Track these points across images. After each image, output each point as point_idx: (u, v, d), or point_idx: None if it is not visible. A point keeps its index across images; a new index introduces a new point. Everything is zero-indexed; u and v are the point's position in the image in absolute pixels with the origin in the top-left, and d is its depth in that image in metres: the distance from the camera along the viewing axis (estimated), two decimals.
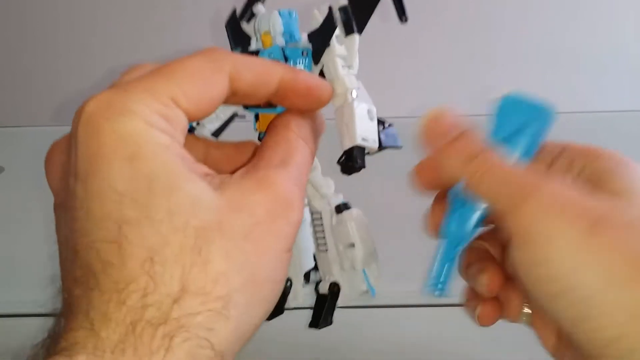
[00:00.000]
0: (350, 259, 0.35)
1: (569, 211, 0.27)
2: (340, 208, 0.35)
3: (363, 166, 0.31)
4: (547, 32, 0.81)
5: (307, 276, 0.36)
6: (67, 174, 0.25)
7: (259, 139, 0.33)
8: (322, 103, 0.30)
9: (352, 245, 0.34)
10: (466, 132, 0.30)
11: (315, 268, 0.37)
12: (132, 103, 0.24)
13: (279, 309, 0.34)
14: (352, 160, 0.31)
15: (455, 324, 0.59)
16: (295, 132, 0.29)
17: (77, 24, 0.83)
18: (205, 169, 0.26)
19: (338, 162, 0.32)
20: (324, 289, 0.35)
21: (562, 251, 0.26)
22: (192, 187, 0.24)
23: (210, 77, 0.26)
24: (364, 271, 0.35)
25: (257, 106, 0.31)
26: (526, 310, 0.34)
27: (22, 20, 0.83)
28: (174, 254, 0.23)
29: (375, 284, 0.35)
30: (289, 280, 0.35)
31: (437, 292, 0.31)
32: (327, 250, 0.35)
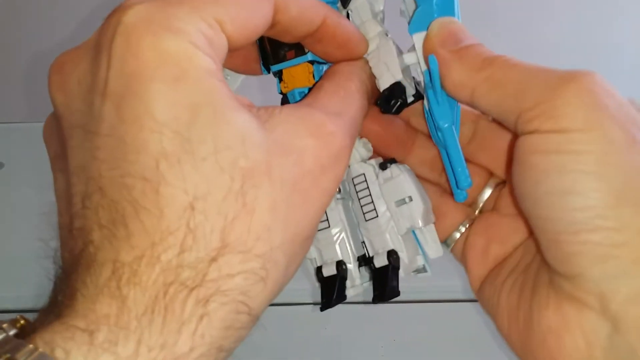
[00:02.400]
0: (407, 216, 0.31)
1: (616, 106, 0.24)
2: (386, 164, 0.31)
3: (406, 103, 0.30)
4: (546, 32, 0.81)
5: (360, 260, 0.32)
6: (89, 91, 0.22)
7: (283, 102, 0.31)
8: (355, 57, 0.29)
9: (408, 199, 0.31)
10: (479, 44, 0.27)
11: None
12: (178, 20, 0.21)
13: (340, 295, 0.31)
14: (394, 97, 0.29)
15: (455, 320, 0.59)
16: (357, 85, 0.27)
17: (80, 24, 0.82)
18: (246, 99, 0.23)
19: (376, 103, 0.30)
20: (380, 261, 0.31)
21: (597, 144, 0.23)
22: (241, 119, 0.21)
23: (258, 3, 0.23)
24: (416, 238, 0.32)
25: (282, 60, 0.30)
26: (457, 234, 0.32)
27: (22, 19, 0.83)
28: (217, 200, 0.20)
29: (434, 250, 0.32)
30: (343, 263, 0.32)
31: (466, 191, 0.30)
32: (377, 216, 0.31)
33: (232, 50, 0.23)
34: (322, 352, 0.56)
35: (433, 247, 0.32)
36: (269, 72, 0.31)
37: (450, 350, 0.57)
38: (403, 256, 0.31)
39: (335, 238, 0.32)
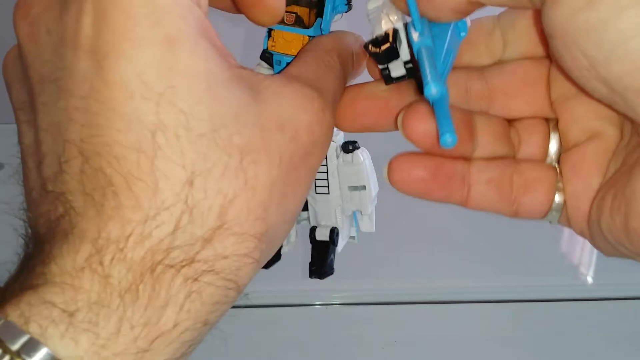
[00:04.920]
0: (357, 202, 0.31)
1: None
2: (349, 147, 0.31)
3: (396, 50, 0.25)
4: None
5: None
6: (60, 43, 0.19)
7: (262, 57, 0.29)
8: (260, 19, 0.24)
9: (361, 187, 0.31)
10: None
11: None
12: None
13: (276, 256, 0.31)
14: (387, 41, 0.24)
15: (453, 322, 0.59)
16: (335, 60, 0.26)
17: None
18: (232, 59, 0.22)
19: (365, 47, 0.25)
20: (322, 235, 0.32)
21: None
22: (234, 94, 0.20)
23: None
24: (354, 215, 0.33)
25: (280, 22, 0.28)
26: (558, 199, 0.25)
27: None
28: (216, 177, 0.19)
29: (368, 227, 0.33)
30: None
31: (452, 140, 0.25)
32: (327, 193, 0.31)
33: None
34: (324, 354, 0.56)
35: (368, 225, 0.33)
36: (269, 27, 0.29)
37: (451, 352, 0.57)
38: (341, 232, 0.32)
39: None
